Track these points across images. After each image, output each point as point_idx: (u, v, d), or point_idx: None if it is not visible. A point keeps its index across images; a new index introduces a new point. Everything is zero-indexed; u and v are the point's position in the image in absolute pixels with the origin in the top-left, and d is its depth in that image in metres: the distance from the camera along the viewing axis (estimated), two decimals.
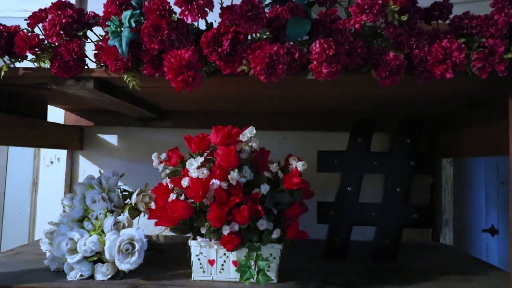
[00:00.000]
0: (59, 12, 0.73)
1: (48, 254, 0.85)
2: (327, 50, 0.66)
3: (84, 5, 1.32)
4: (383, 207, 0.97)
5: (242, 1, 0.67)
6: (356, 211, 0.97)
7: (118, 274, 0.80)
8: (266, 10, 0.71)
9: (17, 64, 0.77)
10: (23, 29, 0.76)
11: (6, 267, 0.86)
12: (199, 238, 0.78)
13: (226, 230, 0.74)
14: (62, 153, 1.29)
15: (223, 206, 0.73)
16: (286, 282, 0.79)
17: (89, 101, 0.94)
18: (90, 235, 0.80)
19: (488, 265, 1.00)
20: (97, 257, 0.79)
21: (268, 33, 0.72)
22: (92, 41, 0.77)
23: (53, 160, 1.29)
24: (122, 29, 0.70)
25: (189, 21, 0.68)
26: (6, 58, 0.77)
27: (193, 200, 0.74)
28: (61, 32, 0.72)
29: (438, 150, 1.19)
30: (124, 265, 0.78)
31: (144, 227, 0.87)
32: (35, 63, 0.77)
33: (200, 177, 0.74)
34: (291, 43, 0.70)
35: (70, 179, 1.30)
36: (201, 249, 0.79)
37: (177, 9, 0.69)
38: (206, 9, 0.68)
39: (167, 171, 0.84)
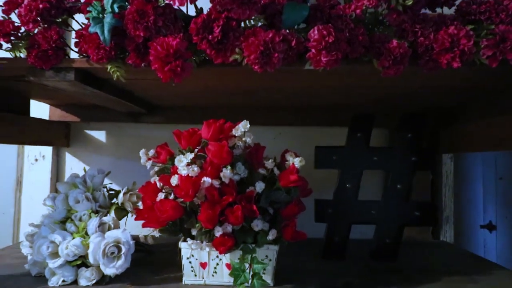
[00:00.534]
0: None
1: (29, 258, 0.81)
2: (326, 37, 0.61)
3: None
4: (383, 204, 0.94)
5: None
6: (355, 209, 0.94)
7: (103, 279, 0.76)
8: None
9: None
10: None
11: None
12: (189, 240, 0.73)
13: (218, 232, 0.70)
14: (47, 151, 1.25)
15: (215, 206, 0.69)
16: (282, 285, 0.76)
17: (74, 95, 0.89)
18: (73, 238, 0.76)
19: (492, 263, 0.97)
20: (80, 261, 0.76)
21: (262, 20, 0.67)
22: (73, 29, 0.72)
23: (37, 158, 1.24)
24: (105, 15, 0.65)
25: (177, 5, 0.64)
26: None
27: (182, 199, 0.70)
28: (38, 18, 0.67)
29: (439, 146, 1.16)
30: (110, 270, 0.74)
31: (132, 228, 0.83)
32: (11, 53, 0.72)
33: (190, 174, 0.70)
34: (288, 30, 0.65)
35: (55, 177, 1.26)
36: (192, 252, 0.75)
37: None
38: None
39: (156, 168, 0.80)
